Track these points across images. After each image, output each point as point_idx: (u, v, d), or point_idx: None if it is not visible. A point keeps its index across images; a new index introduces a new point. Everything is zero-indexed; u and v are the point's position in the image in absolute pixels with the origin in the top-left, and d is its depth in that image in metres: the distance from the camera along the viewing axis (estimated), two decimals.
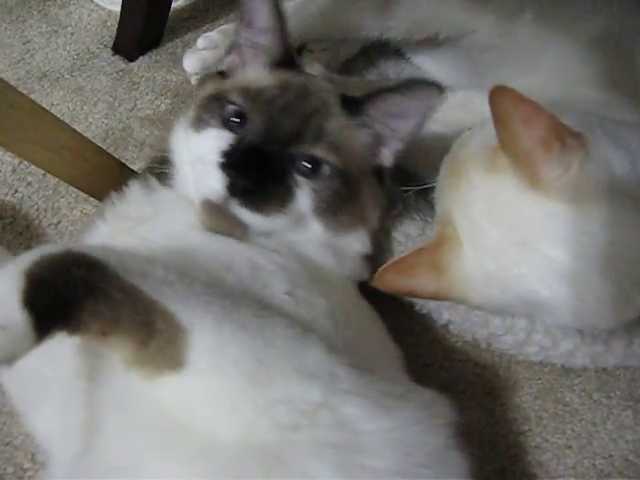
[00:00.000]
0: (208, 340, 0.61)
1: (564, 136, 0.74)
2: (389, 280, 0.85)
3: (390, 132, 0.87)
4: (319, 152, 0.81)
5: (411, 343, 1.00)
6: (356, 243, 0.88)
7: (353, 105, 0.86)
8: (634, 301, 0.80)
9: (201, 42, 1.13)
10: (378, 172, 0.89)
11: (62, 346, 0.61)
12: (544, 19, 1.10)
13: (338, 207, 0.82)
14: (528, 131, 0.72)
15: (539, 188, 0.75)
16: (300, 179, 0.80)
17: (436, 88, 0.85)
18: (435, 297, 0.88)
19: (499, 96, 0.73)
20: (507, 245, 0.78)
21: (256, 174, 0.76)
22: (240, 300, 0.66)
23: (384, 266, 0.86)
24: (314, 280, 0.77)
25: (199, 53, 1.13)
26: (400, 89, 0.86)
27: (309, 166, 0.80)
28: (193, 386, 0.61)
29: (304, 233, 0.83)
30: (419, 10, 1.17)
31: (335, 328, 0.73)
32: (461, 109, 1.09)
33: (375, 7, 1.18)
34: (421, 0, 1.16)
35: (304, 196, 0.80)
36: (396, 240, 0.97)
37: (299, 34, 1.19)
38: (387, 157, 0.89)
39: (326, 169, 0.81)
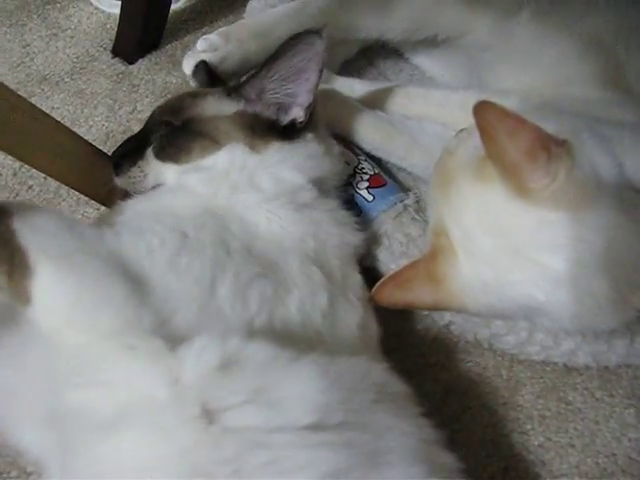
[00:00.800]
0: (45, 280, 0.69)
1: (549, 145, 0.74)
2: (387, 295, 0.87)
3: (291, 96, 0.91)
4: (163, 117, 0.94)
5: (413, 343, 1.00)
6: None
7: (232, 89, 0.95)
8: (631, 301, 0.80)
9: (200, 44, 1.12)
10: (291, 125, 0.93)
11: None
12: (541, 18, 1.11)
13: (174, 148, 0.91)
14: (514, 143, 0.73)
15: (528, 197, 0.76)
16: (152, 140, 0.93)
17: (313, 34, 0.87)
18: (434, 308, 0.90)
19: (483, 111, 0.74)
20: (501, 253, 0.79)
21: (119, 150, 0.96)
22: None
23: (381, 281, 0.87)
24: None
25: (198, 55, 1.13)
26: (280, 53, 0.88)
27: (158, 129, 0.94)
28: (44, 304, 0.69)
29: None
30: (417, 11, 1.18)
31: None
32: (460, 110, 1.10)
33: (374, 8, 1.18)
34: (419, 1, 1.17)
35: (149, 150, 0.92)
36: (397, 241, 0.98)
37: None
38: (298, 113, 0.92)
39: (165, 127, 0.93)
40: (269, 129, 0.91)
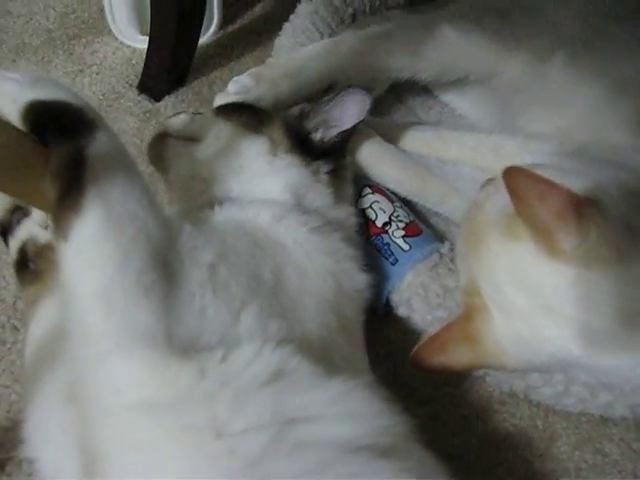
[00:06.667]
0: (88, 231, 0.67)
1: (580, 207, 0.78)
2: (425, 359, 0.90)
3: (335, 119, 1.03)
4: None
5: (448, 394, 1.04)
6: None
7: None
8: None
9: (232, 87, 1.16)
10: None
11: None
12: (575, 62, 1.14)
13: None
14: (544, 207, 0.77)
15: (560, 256, 0.80)
16: None
17: (364, 92, 1.03)
18: (472, 368, 0.94)
19: (513, 176, 0.79)
20: (535, 310, 0.83)
21: None
22: None
23: (417, 346, 0.90)
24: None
25: (230, 97, 1.17)
26: (330, 101, 1.03)
27: None
28: (75, 251, 0.67)
29: None
30: (449, 53, 1.21)
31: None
32: (494, 155, 1.14)
33: (405, 49, 1.22)
34: (452, 43, 1.21)
35: None
36: (434, 292, 1.02)
37: (329, 74, 1.23)
38: (333, 133, 1.03)
39: None
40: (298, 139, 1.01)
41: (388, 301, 1.07)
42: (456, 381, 1.06)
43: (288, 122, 1.03)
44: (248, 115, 1.03)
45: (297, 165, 0.99)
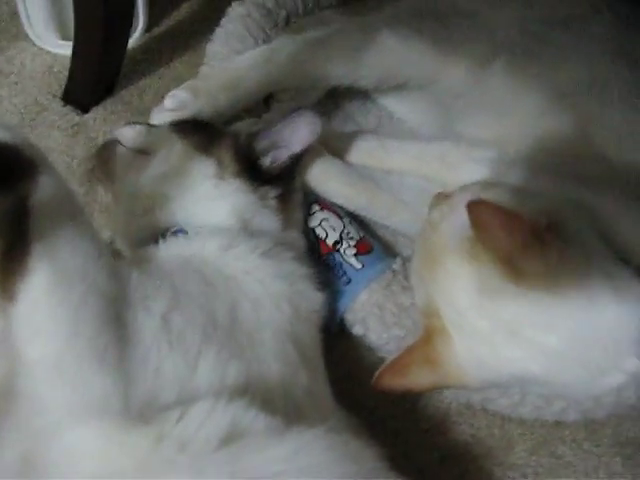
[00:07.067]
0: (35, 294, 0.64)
1: (543, 235, 0.81)
2: (387, 383, 0.90)
3: (285, 142, 1.02)
4: None
5: (406, 409, 1.05)
6: None
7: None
8: (622, 367, 0.87)
9: (169, 102, 1.12)
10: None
11: None
12: (515, 68, 1.15)
13: None
14: (509, 238, 0.79)
15: (522, 280, 0.81)
16: None
17: (314, 115, 1.02)
18: (433, 389, 0.96)
19: (477, 209, 0.79)
20: (497, 332, 0.84)
21: None
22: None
23: (379, 370, 0.90)
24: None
25: (167, 114, 1.13)
26: (280, 122, 1.02)
27: None
28: (22, 315, 0.64)
29: None
30: (389, 59, 1.20)
31: None
32: (438, 162, 1.14)
33: (345, 56, 1.20)
34: (391, 49, 1.19)
35: None
36: (389, 311, 1.02)
37: (268, 83, 1.21)
38: (283, 156, 1.02)
39: None
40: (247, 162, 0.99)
41: (342, 320, 1.07)
42: (414, 396, 1.06)
43: (237, 144, 1.00)
44: (200, 135, 1.01)
45: (244, 190, 0.98)
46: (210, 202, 0.96)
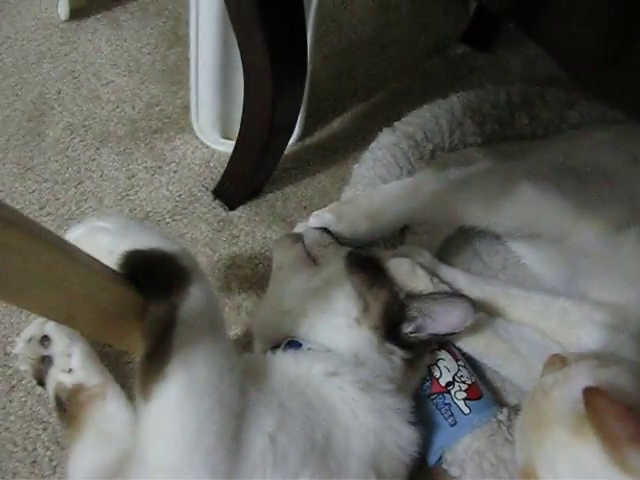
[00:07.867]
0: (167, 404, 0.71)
1: None
2: None
3: (433, 319, 1.03)
4: None
5: None
6: None
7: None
8: None
9: (313, 220, 1.19)
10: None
11: None
12: None
13: None
14: (619, 427, 0.80)
15: (624, 467, 0.81)
16: None
17: (471, 305, 1.04)
18: None
19: (593, 397, 0.82)
20: None
21: None
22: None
23: None
24: None
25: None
26: (437, 300, 1.04)
27: None
28: (152, 416, 0.71)
29: None
30: (526, 211, 1.25)
31: None
32: (557, 320, 1.16)
33: (483, 202, 1.27)
34: (529, 201, 1.24)
35: None
36: (488, 461, 1.04)
37: (407, 217, 1.29)
38: (424, 332, 1.03)
39: None
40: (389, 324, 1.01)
41: (441, 458, 1.09)
42: None
43: (391, 302, 1.03)
44: (365, 276, 1.04)
45: (373, 343, 1.00)
46: (336, 334, 0.99)
